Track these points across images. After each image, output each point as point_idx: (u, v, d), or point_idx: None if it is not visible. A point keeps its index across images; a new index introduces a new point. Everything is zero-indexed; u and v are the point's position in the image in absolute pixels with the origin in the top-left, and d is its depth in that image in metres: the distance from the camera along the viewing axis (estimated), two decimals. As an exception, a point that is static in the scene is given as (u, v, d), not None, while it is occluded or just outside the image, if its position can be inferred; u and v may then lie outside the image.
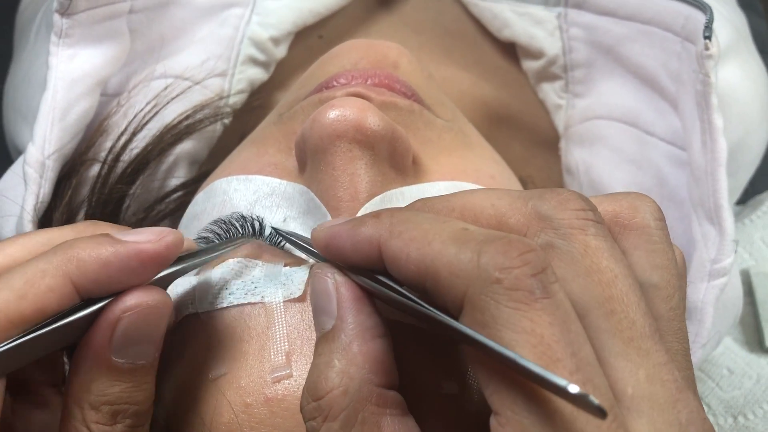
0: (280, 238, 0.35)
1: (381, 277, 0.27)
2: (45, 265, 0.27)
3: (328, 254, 0.29)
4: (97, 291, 0.28)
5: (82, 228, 0.33)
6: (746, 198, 0.71)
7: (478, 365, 0.24)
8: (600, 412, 0.21)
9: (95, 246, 0.28)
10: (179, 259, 0.31)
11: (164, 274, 0.30)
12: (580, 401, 0.21)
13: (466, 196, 0.29)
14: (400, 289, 0.27)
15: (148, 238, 0.28)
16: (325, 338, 0.27)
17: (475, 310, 0.23)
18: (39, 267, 0.27)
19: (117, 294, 0.28)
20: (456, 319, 0.25)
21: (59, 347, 0.28)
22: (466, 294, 0.24)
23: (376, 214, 0.28)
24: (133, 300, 0.28)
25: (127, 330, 0.28)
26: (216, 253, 0.33)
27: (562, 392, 0.21)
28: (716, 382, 0.58)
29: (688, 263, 0.48)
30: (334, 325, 0.27)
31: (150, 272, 0.29)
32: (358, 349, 0.26)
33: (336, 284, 0.28)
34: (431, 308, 0.25)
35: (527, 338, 0.22)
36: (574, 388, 0.21)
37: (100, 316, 0.28)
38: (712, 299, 0.45)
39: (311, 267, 0.30)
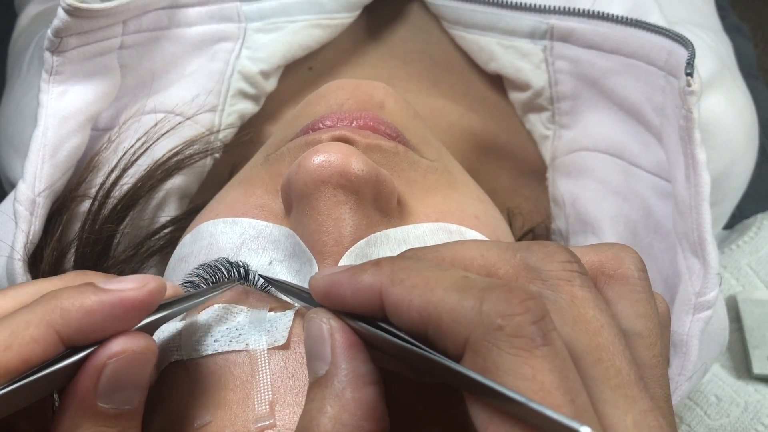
0: (265, 283, 0.35)
1: (382, 324, 0.28)
2: (29, 316, 0.28)
3: (327, 302, 0.29)
4: (81, 339, 0.28)
5: (71, 278, 0.33)
6: (733, 223, 0.72)
7: (477, 409, 0.25)
8: None
9: (78, 295, 0.28)
10: (166, 305, 0.32)
11: (150, 320, 0.30)
12: None
13: (456, 247, 0.29)
14: (401, 334, 0.27)
15: (131, 286, 0.29)
16: (318, 384, 0.28)
17: (477, 356, 0.24)
18: (23, 318, 0.28)
19: (102, 341, 0.28)
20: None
21: (46, 394, 0.29)
22: (468, 340, 0.24)
23: (376, 263, 0.28)
24: (118, 346, 0.28)
25: (112, 376, 0.28)
26: (201, 299, 0.34)
27: None
28: (704, 410, 0.58)
29: (674, 295, 0.49)
30: (327, 371, 0.28)
31: (133, 319, 0.29)
32: (351, 396, 0.27)
33: (331, 329, 0.28)
34: (434, 353, 0.26)
35: (528, 384, 0.23)
36: (586, 429, 0.21)
37: (86, 362, 0.28)
38: (697, 332, 0.45)
39: (307, 312, 0.30)
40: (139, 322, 0.30)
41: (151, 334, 0.31)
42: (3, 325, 0.27)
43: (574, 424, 0.21)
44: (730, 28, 0.75)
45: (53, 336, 0.27)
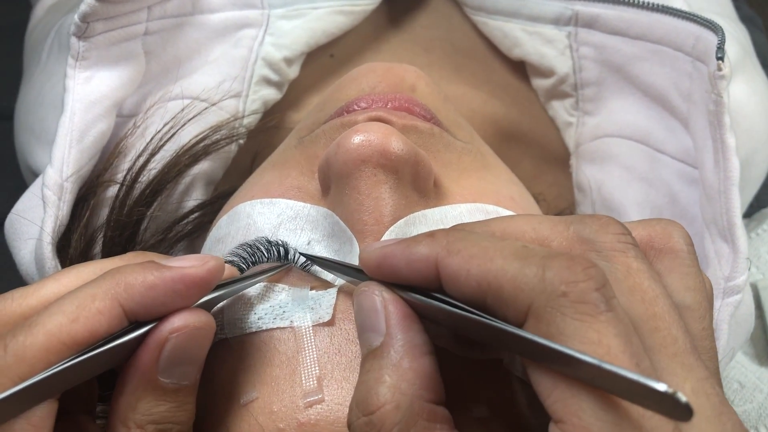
0: (307, 261, 0.35)
1: (436, 294, 0.28)
2: (94, 290, 0.28)
3: (380, 274, 0.29)
4: (143, 314, 0.29)
5: (131, 257, 0.34)
6: (752, 212, 0.72)
7: (540, 375, 0.25)
8: (687, 410, 0.21)
9: (142, 271, 0.29)
10: (221, 285, 0.32)
11: (206, 300, 0.31)
12: (668, 400, 0.21)
13: (506, 221, 0.29)
14: (459, 304, 0.27)
15: (191, 264, 0.29)
16: (373, 355, 0.28)
17: (541, 323, 0.24)
18: (89, 292, 0.28)
19: (162, 318, 0.29)
20: None
21: (107, 368, 0.29)
22: (531, 307, 0.25)
23: (430, 234, 0.28)
24: (180, 321, 0.29)
25: (173, 350, 0.29)
26: (256, 280, 0.34)
27: (643, 393, 0.22)
28: (728, 397, 0.58)
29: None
30: (382, 342, 0.28)
31: (194, 296, 0.29)
32: (408, 365, 0.27)
33: (384, 301, 0.29)
34: (497, 320, 0.26)
35: (595, 349, 0.23)
36: (662, 386, 0.21)
37: (149, 336, 0.29)
38: (726, 317, 0.45)
39: (356, 287, 0.31)
40: (199, 300, 0.30)
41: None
42: (70, 299, 0.28)
43: (650, 382, 0.21)
44: (743, 19, 0.75)
45: (118, 309, 0.28)
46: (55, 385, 0.28)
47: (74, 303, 0.28)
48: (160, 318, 0.29)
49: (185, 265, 0.29)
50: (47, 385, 0.27)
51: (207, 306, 0.31)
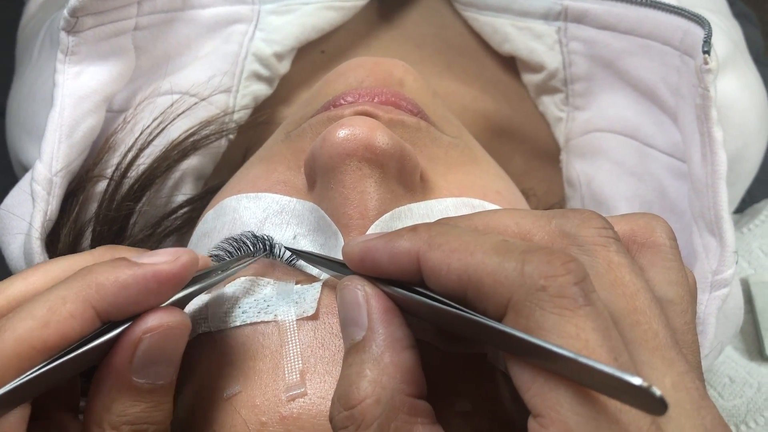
0: (292, 255, 0.35)
1: (418, 288, 0.28)
2: (65, 292, 0.28)
3: (362, 268, 0.30)
4: (116, 314, 0.28)
5: (101, 253, 0.33)
6: (744, 207, 0.72)
7: (519, 369, 0.25)
8: (662, 404, 0.21)
9: (113, 270, 0.28)
10: (195, 279, 0.32)
11: (181, 296, 0.31)
12: (643, 394, 0.22)
13: (489, 216, 0.29)
14: (439, 298, 0.27)
15: (164, 259, 0.29)
16: (355, 349, 0.28)
17: (520, 316, 0.24)
18: (59, 294, 0.28)
19: (137, 316, 0.28)
20: None
21: (82, 370, 0.29)
22: (510, 301, 0.25)
23: (412, 228, 0.28)
24: (154, 321, 0.28)
25: (147, 351, 0.28)
26: (230, 271, 0.34)
27: (619, 387, 0.22)
28: (718, 391, 0.58)
29: (689, 274, 0.49)
30: (364, 336, 0.28)
31: (167, 293, 0.29)
32: (389, 360, 0.27)
33: (366, 296, 0.29)
34: (476, 314, 0.26)
35: (573, 343, 0.23)
36: (637, 380, 0.21)
37: (122, 337, 0.28)
38: (714, 310, 0.45)
39: (339, 281, 0.31)
40: (173, 296, 0.30)
41: (182, 309, 0.31)
42: (40, 302, 0.27)
43: (625, 376, 0.22)
44: (737, 15, 0.75)
45: (90, 311, 0.28)
46: (28, 391, 0.27)
47: (45, 306, 0.27)
48: (134, 317, 0.29)
49: (157, 261, 0.29)
50: (19, 392, 0.27)
51: (181, 302, 0.31)
